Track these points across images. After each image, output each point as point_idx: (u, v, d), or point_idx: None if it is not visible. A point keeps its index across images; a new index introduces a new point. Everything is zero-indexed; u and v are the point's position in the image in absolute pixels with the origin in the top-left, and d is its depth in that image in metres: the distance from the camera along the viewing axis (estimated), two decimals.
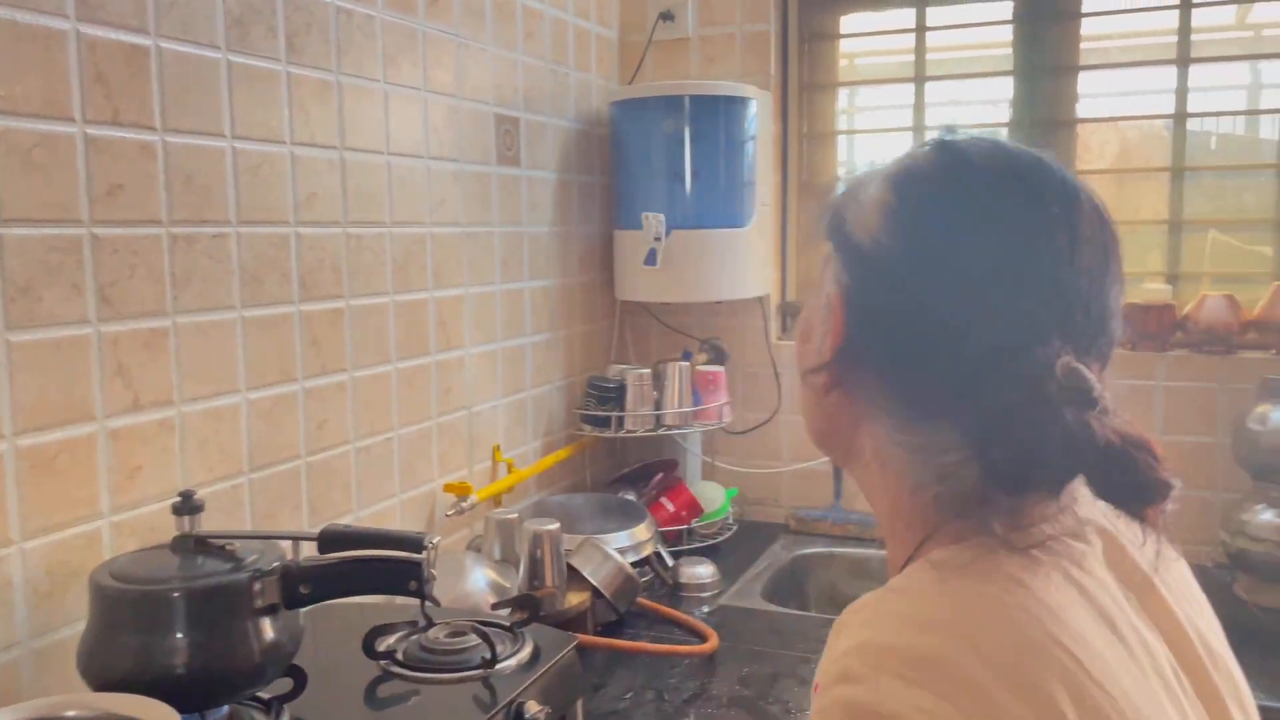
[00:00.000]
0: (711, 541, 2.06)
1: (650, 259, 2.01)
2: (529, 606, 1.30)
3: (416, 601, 1.05)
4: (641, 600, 1.67)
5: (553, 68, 2.01)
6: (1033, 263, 0.63)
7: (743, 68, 2.23)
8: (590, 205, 2.18)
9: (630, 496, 2.03)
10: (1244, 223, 2.06)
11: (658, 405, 2.04)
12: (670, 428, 2.05)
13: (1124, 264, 0.66)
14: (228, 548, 1.02)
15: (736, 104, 2.06)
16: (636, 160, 2.09)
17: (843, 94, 2.35)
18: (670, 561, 1.85)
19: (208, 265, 1.24)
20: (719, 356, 2.24)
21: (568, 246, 2.09)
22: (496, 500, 1.81)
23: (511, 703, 1.06)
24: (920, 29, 2.19)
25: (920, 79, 2.20)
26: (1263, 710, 0.69)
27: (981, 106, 2.26)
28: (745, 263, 2.08)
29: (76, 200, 1.09)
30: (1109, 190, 2.07)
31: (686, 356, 2.17)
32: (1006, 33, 2.15)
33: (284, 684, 1.05)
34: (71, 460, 1.09)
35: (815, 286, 0.75)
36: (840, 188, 0.73)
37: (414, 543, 1.03)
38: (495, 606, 1.37)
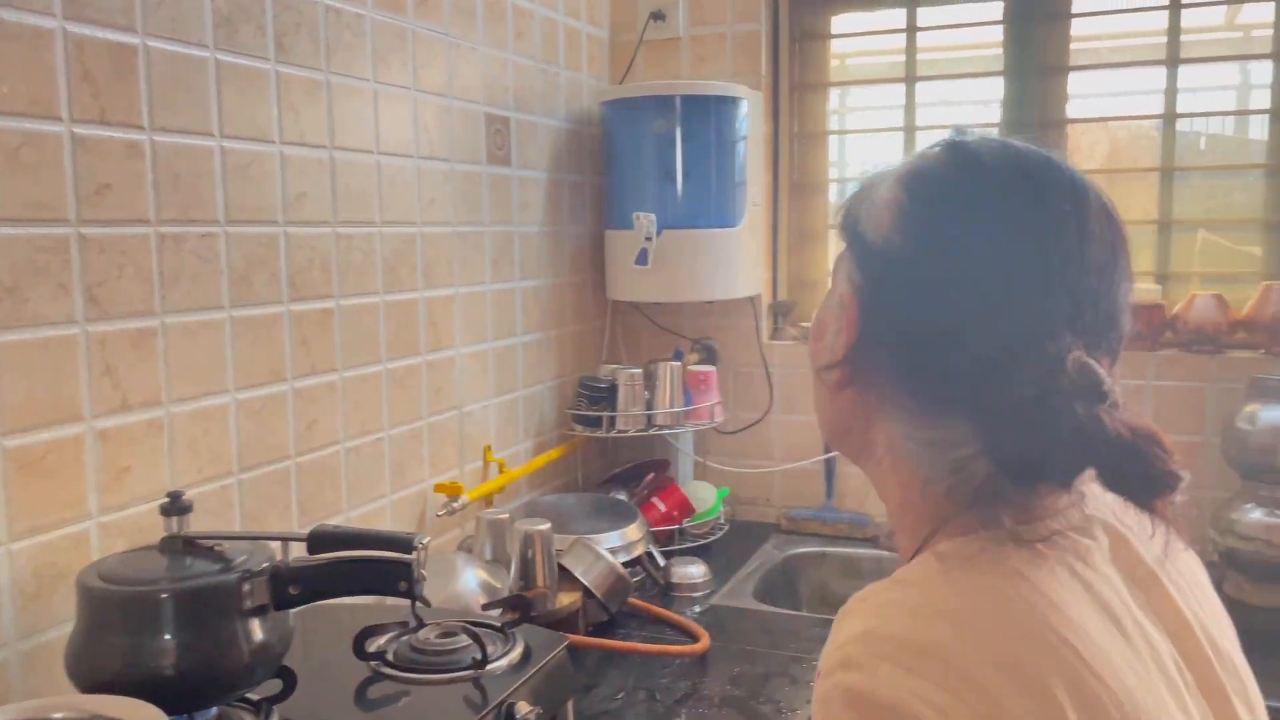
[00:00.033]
0: (703, 541, 2.06)
1: (641, 259, 2.01)
2: (520, 607, 1.29)
3: (407, 602, 1.05)
4: (633, 600, 1.67)
5: (543, 67, 2.01)
6: (1043, 260, 0.64)
7: (734, 68, 2.23)
8: (581, 205, 2.17)
9: (622, 496, 2.03)
10: (1233, 223, 2.07)
11: (649, 405, 2.04)
12: (662, 428, 2.05)
13: (1132, 261, 0.67)
14: (216, 549, 1.02)
15: (727, 104, 2.06)
16: (627, 160, 2.08)
17: (834, 94, 2.35)
18: (662, 561, 1.85)
19: (196, 265, 1.24)
20: (710, 356, 2.24)
21: (559, 246, 2.09)
22: (488, 500, 1.80)
23: (502, 703, 1.06)
24: (911, 29, 2.19)
25: (911, 79, 2.21)
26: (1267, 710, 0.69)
27: (972, 107, 2.26)
28: (736, 263, 2.08)
29: (64, 200, 1.08)
30: None
31: (678, 356, 2.17)
32: (997, 33, 2.15)
33: (273, 685, 1.05)
34: (59, 461, 1.08)
35: (830, 285, 0.76)
36: (853, 188, 0.74)
37: (404, 543, 1.03)
38: (486, 607, 1.37)
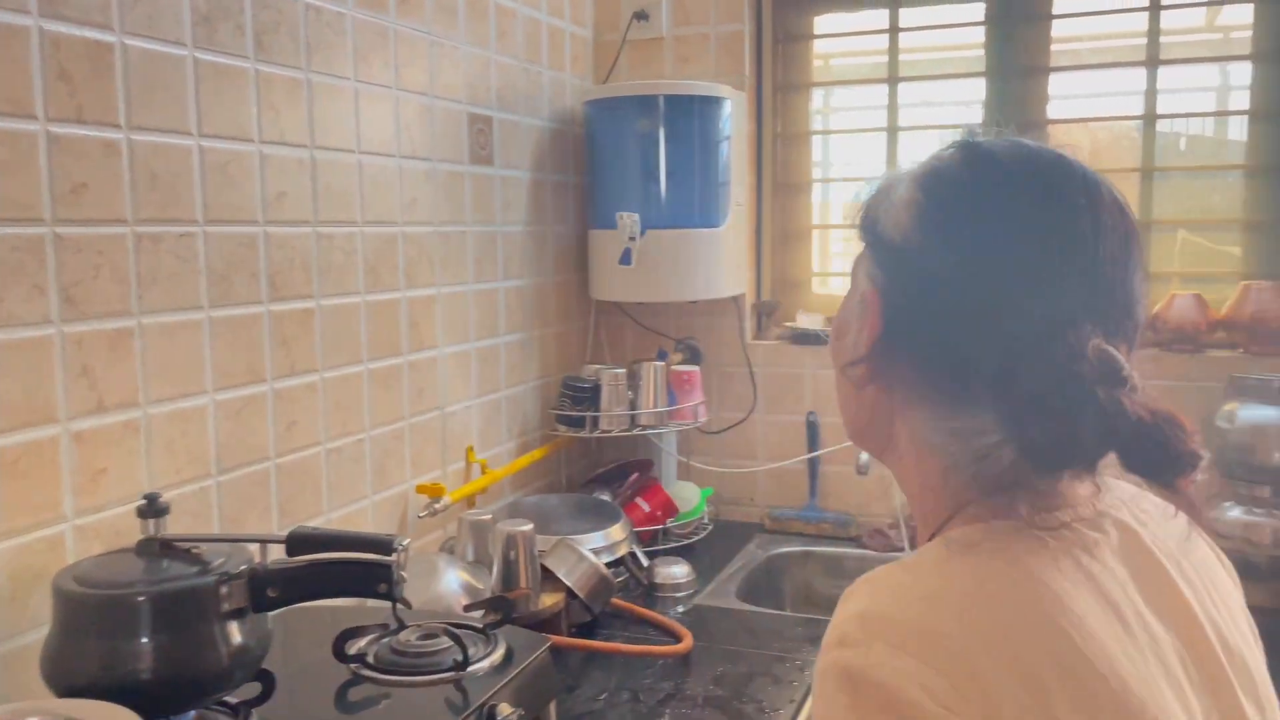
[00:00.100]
0: (687, 541, 2.06)
1: (625, 258, 2.00)
2: (502, 608, 1.29)
3: (388, 604, 1.04)
4: (616, 601, 1.66)
5: (526, 66, 2.01)
6: (1060, 253, 0.65)
7: (717, 68, 2.23)
8: (565, 205, 2.17)
9: (605, 497, 2.02)
10: (1213, 223, 2.09)
11: (633, 405, 2.04)
12: (645, 428, 2.05)
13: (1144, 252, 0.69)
14: (194, 551, 1.01)
15: (711, 104, 2.06)
16: (611, 160, 2.08)
17: (818, 95, 2.36)
18: (645, 562, 1.84)
19: (174, 265, 1.23)
20: (694, 356, 2.24)
21: (542, 246, 2.08)
22: (470, 501, 1.80)
23: (484, 705, 1.05)
24: (894, 30, 2.20)
25: (894, 80, 2.21)
26: None
27: (954, 108, 2.27)
28: (720, 262, 2.08)
29: (39, 199, 1.07)
30: None
31: (662, 356, 2.17)
32: (979, 34, 2.16)
33: (252, 688, 1.04)
34: (34, 463, 1.07)
35: (849, 286, 0.78)
36: (869, 189, 0.76)
37: (383, 545, 1.02)
38: (468, 608, 1.36)
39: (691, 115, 2.05)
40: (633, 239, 1.99)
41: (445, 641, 1.14)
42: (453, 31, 1.76)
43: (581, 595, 1.57)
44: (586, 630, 1.60)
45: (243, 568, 0.99)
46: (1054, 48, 2.11)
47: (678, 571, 1.83)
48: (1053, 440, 0.63)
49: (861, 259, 0.75)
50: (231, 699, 1.03)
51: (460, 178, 1.80)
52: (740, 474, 2.26)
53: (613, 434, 2.03)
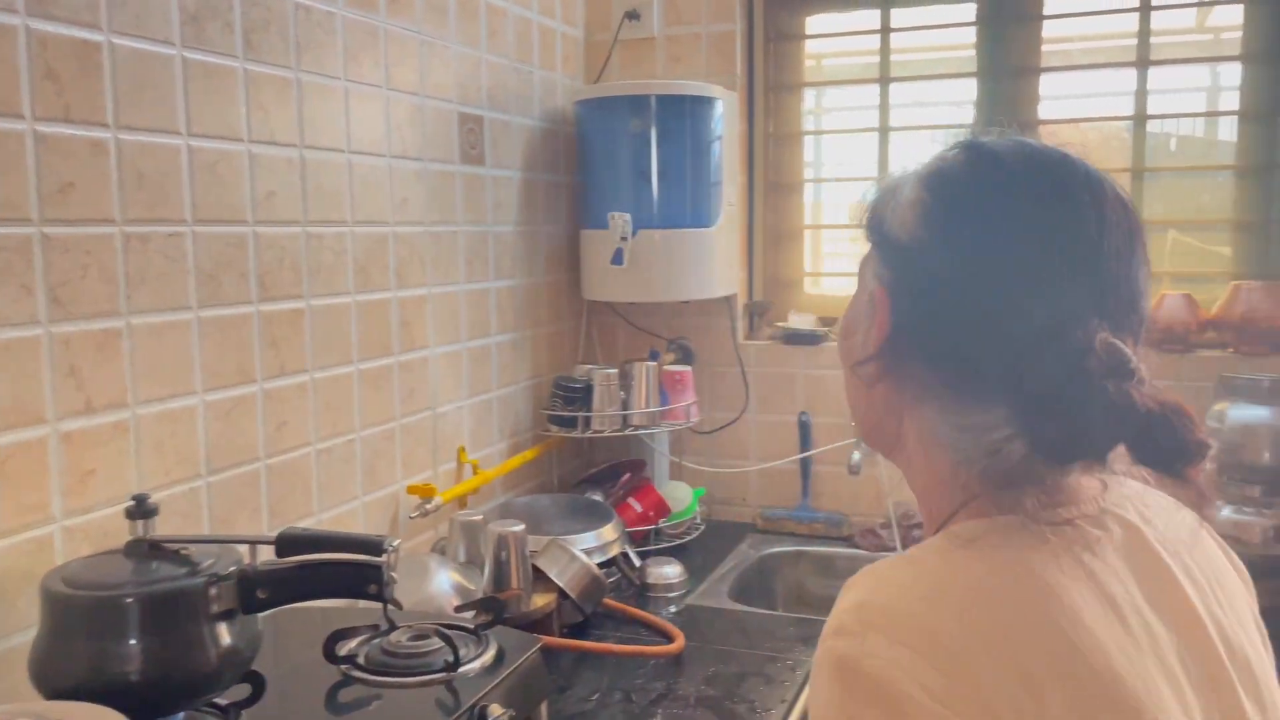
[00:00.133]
0: (679, 541, 2.06)
1: (617, 259, 2.00)
2: (493, 609, 1.29)
3: (379, 605, 1.04)
4: (608, 601, 1.66)
5: (517, 66, 2.00)
6: (1066, 250, 0.66)
7: (708, 68, 2.23)
8: (556, 205, 2.17)
9: (597, 497, 2.02)
10: (1203, 223, 2.09)
11: (625, 405, 2.03)
12: (637, 428, 2.04)
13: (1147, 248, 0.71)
14: (182, 552, 1.01)
15: (703, 104, 2.06)
16: (603, 160, 2.08)
17: (810, 95, 2.36)
18: (637, 562, 1.84)
19: (162, 265, 1.22)
20: (686, 356, 2.24)
21: (534, 246, 2.08)
22: (461, 502, 1.79)
23: (475, 706, 1.05)
24: (885, 30, 2.20)
25: (885, 80, 2.21)
26: None
27: (945, 108, 2.27)
28: (712, 263, 2.08)
29: (26, 199, 1.06)
30: None
31: (654, 356, 2.17)
32: (970, 35, 2.16)
33: (242, 690, 1.04)
34: (22, 464, 1.07)
35: (856, 286, 0.79)
36: (874, 190, 0.77)
37: (374, 546, 1.02)
38: (459, 609, 1.36)
39: (683, 115, 2.04)
40: (624, 239, 1.99)
41: (436, 642, 1.13)
42: (443, 31, 1.76)
43: (573, 596, 1.57)
44: (578, 631, 1.60)
45: (232, 569, 0.99)
46: (1045, 48, 2.11)
47: (670, 572, 1.83)
48: (1063, 434, 0.63)
49: (868, 259, 0.76)
50: (221, 701, 1.02)
51: (451, 177, 1.79)
52: (732, 474, 2.26)
53: (605, 434, 2.03)
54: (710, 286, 2.08)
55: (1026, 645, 0.59)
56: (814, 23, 2.31)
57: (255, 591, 0.99)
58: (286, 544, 1.02)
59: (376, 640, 1.15)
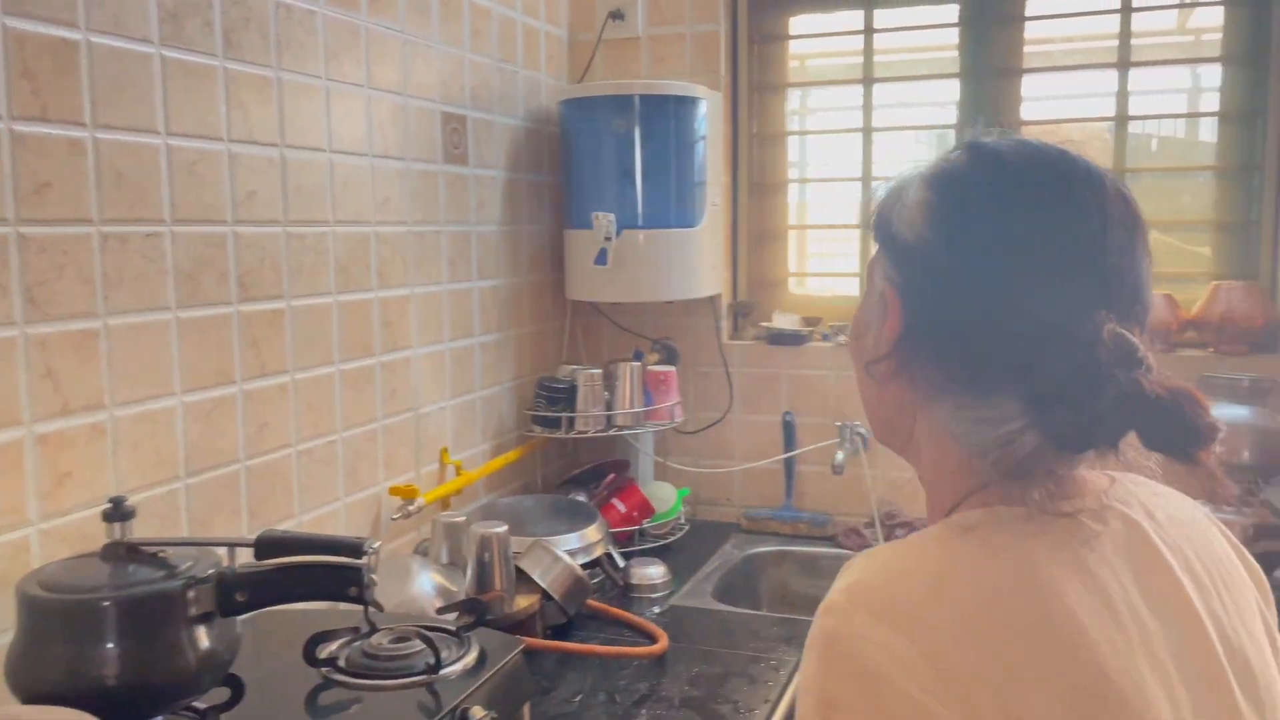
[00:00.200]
0: (663, 542, 2.06)
1: (601, 259, 2.00)
2: (475, 610, 1.28)
3: (360, 607, 1.03)
4: (591, 602, 1.66)
5: (501, 66, 2.00)
6: (1071, 245, 0.68)
7: (693, 68, 2.23)
8: (540, 204, 2.16)
9: (581, 498, 2.02)
10: (1183, 224, 2.11)
11: (609, 405, 2.03)
12: (622, 428, 2.04)
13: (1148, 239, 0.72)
14: (160, 555, 1.00)
15: (687, 104, 2.05)
16: (587, 159, 2.08)
17: (794, 95, 2.36)
18: (621, 562, 1.84)
19: (141, 265, 1.21)
20: (670, 356, 2.24)
21: (517, 246, 2.07)
22: (444, 503, 1.79)
23: (456, 708, 1.04)
24: (868, 31, 2.21)
25: (869, 80, 2.22)
26: None
27: (929, 108, 2.28)
28: (696, 263, 2.08)
29: (2, 199, 1.05)
30: None
31: (638, 356, 2.17)
32: (953, 36, 2.17)
33: (221, 693, 1.03)
34: None
35: (866, 287, 0.80)
36: (881, 192, 0.78)
37: (353, 548, 1.01)
38: (441, 611, 1.35)
39: (667, 115, 2.04)
40: (608, 239, 1.98)
41: (418, 644, 1.13)
42: (426, 30, 1.75)
43: (557, 597, 1.56)
44: (562, 632, 1.60)
45: (210, 572, 0.98)
46: (1027, 49, 2.12)
47: (654, 572, 1.82)
48: (1076, 423, 0.64)
49: (877, 260, 0.77)
50: (199, 704, 1.01)
51: (434, 177, 1.79)
52: (717, 474, 2.26)
53: (589, 435, 2.03)
54: (694, 287, 2.08)
55: (1014, 636, 0.60)
56: (798, 23, 2.31)
57: (234, 594, 0.98)
58: (266, 546, 1.02)
59: (357, 643, 1.15)
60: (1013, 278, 0.68)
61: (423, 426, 1.77)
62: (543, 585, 1.55)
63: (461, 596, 1.44)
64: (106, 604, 0.93)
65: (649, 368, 2.11)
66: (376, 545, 1.02)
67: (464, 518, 1.58)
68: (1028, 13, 2.11)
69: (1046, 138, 0.74)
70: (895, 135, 2.26)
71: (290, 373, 1.46)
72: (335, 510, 1.56)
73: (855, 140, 2.25)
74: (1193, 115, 2.13)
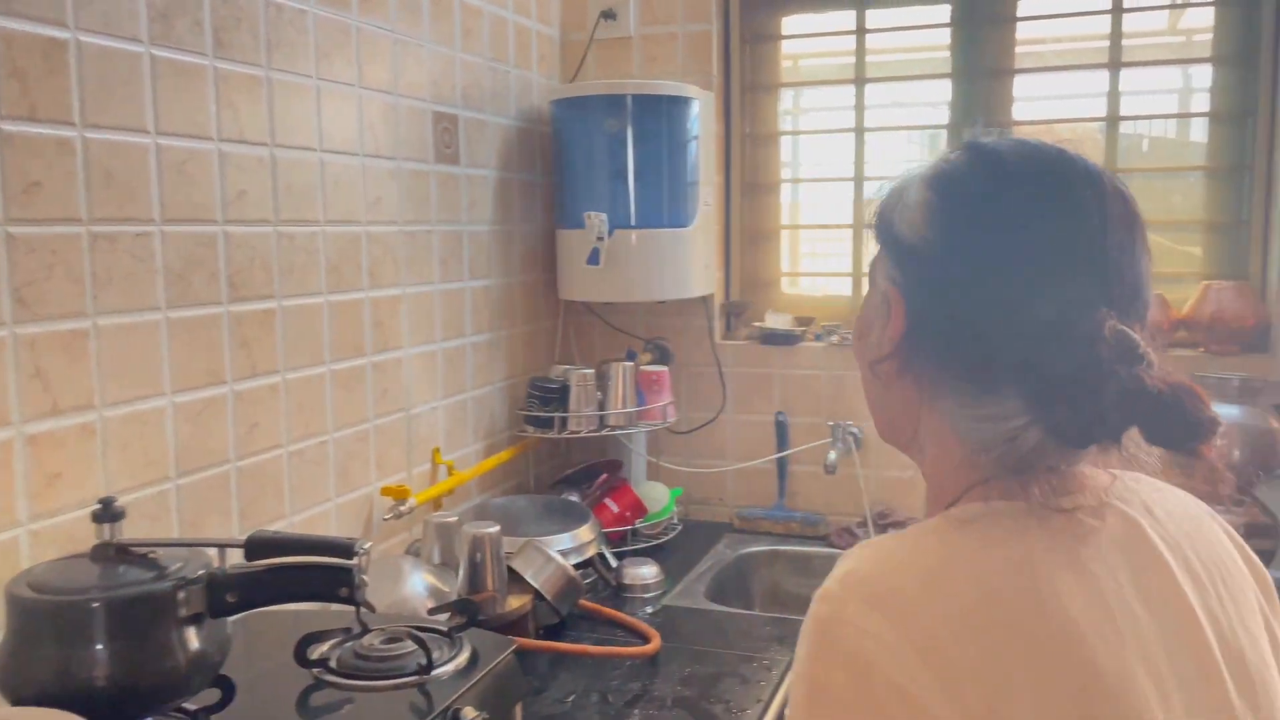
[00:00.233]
0: (656, 542, 2.06)
1: (593, 258, 2.00)
2: (467, 611, 1.28)
3: (352, 608, 1.03)
4: (584, 602, 1.66)
5: (492, 65, 2.00)
6: (1071, 243, 0.68)
7: (685, 68, 2.23)
8: (532, 204, 2.16)
9: (574, 498, 2.02)
10: (1174, 224, 2.11)
11: (601, 405, 2.03)
12: (614, 428, 2.04)
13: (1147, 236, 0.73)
14: (150, 556, 0.99)
15: (679, 104, 2.05)
16: (579, 159, 2.07)
17: (786, 95, 2.36)
18: (614, 562, 1.84)
19: (130, 265, 1.21)
20: (663, 356, 2.24)
21: (509, 246, 2.07)
22: (436, 504, 1.78)
23: (448, 709, 1.04)
24: (860, 31, 2.21)
25: (861, 80, 2.22)
26: None
27: (921, 108, 2.28)
28: (689, 263, 2.07)
29: None
30: None
31: (630, 356, 2.17)
32: (945, 36, 2.17)
33: (211, 695, 1.02)
34: None
35: (868, 288, 0.81)
36: (882, 193, 0.79)
37: (343, 549, 1.01)
38: (432, 611, 1.35)
39: (659, 115, 2.04)
40: (601, 239, 1.98)
41: (409, 645, 1.12)
42: (417, 30, 1.75)
43: (549, 597, 1.56)
44: (554, 632, 1.60)
45: (200, 572, 0.98)
46: (1018, 50, 2.12)
47: (646, 572, 1.82)
48: (1078, 419, 0.65)
49: (879, 260, 0.78)
50: (190, 706, 1.01)
51: (425, 176, 1.78)
52: (709, 474, 2.26)
53: (581, 435, 2.03)
54: (687, 286, 2.08)
55: (1007, 630, 0.60)
56: (790, 23, 2.31)
57: (224, 595, 0.98)
58: (256, 547, 1.01)
59: (349, 643, 1.14)
60: (1014, 276, 0.68)
61: (414, 427, 1.77)
62: (535, 585, 1.55)
63: (453, 597, 1.44)
64: (96, 605, 0.92)
65: (641, 368, 2.11)
66: (368, 546, 1.02)
67: (456, 518, 1.58)
68: (1019, 13, 2.11)
69: (1042, 138, 0.74)
70: (887, 135, 2.27)
71: (281, 373, 1.45)
72: (326, 511, 1.55)
73: (848, 140, 2.26)
74: (1184, 116, 2.13)
